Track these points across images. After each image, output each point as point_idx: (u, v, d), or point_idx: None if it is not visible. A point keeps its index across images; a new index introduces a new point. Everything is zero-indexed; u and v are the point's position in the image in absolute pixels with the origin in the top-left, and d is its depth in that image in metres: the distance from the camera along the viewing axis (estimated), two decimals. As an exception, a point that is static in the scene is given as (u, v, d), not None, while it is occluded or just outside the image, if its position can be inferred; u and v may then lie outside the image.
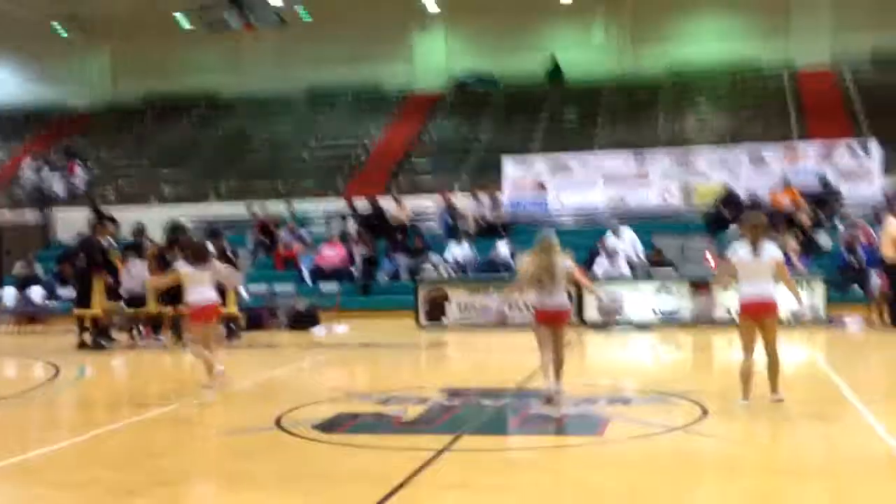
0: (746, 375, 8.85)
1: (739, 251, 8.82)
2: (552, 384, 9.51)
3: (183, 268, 11.06)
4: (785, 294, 8.97)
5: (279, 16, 26.69)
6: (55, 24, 30.45)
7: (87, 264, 16.00)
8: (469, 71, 29.66)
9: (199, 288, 10.82)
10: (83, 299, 16.01)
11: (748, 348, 8.84)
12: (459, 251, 19.86)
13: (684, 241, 19.04)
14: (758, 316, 8.73)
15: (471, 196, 22.09)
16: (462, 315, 17.21)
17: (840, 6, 27.47)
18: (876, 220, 18.00)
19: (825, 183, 20.12)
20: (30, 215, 24.19)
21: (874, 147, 20.64)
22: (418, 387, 11.06)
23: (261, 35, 27.86)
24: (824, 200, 19.65)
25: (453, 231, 20.96)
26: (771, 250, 8.75)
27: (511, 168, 22.28)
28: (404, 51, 30.56)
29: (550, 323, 9.60)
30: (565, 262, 9.60)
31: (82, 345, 15.75)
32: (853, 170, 20.46)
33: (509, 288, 11.05)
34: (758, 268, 8.68)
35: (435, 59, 30.47)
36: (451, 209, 21.82)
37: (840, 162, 20.61)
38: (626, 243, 18.76)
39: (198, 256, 11.02)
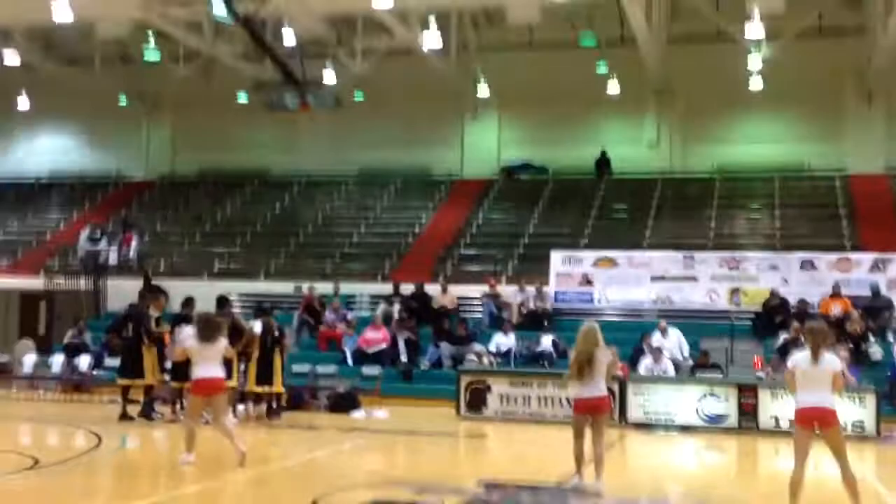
0: (795, 485, 8.70)
1: (798, 358, 8.76)
2: (593, 482, 9.46)
3: (190, 342, 11.26)
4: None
5: (336, 98, 27.31)
6: (120, 96, 31.33)
7: (134, 334, 16.19)
8: (519, 159, 29.99)
9: (206, 363, 11.03)
10: (128, 369, 16.17)
11: (800, 458, 8.71)
12: (503, 341, 19.80)
13: (731, 344, 18.88)
14: (812, 425, 8.64)
15: (517, 286, 22.09)
16: (503, 406, 17.05)
17: (894, 114, 27.48)
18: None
19: (877, 293, 19.86)
20: (83, 283, 24.58)
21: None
22: (456, 478, 10.97)
23: (316, 115, 28.46)
24: (876, 311, 19.37)
25: (497, 321, 20.94)
26: (831, 360, 8.70)
27: (558, 261, 22.30)
28: (455, 137, 31.01)
29: (589, 413, 9.75)
30: (607, 354, 9.84)
31: (125, 416, 15.82)
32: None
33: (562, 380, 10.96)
34: (816, 376, 8.63)
35: (486, 146, 30.85)
36: (496, 298, 21.82)
37: (893, 272, 20.35)
38: (672, 343, 18.62)
39: (206, 332, 11.17)
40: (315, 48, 26.40)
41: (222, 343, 11.46)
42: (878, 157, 27.57)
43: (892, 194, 26.35)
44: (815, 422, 8.63)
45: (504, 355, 19.53)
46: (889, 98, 27.23)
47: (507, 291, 22.08)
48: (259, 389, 16.48)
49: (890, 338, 18.90)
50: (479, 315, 21.92)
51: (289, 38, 25.11)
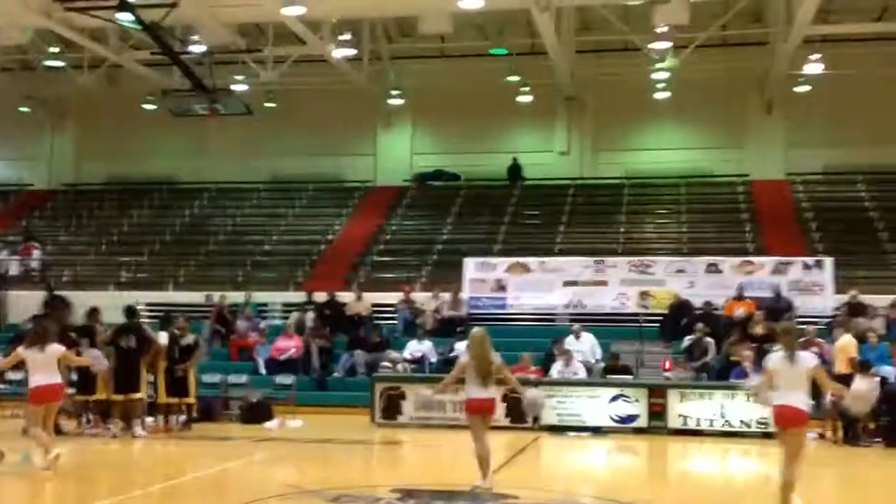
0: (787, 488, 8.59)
1: (774, 359, 8.80)
2: (483, 482, 9.80)
3: (24, 351, 11.50)
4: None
5: (246, 105, 26.98)
6: (22, 104, 30.48)
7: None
8: (432, 167, 30.11)
9: (40, 371, 11.29)
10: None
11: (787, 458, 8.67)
12: (417, 348, 19.83)
13: (641, 346, 19.24)
14: (784, 424, 8.63)
15: (431, 293, 22.15)
16: (418, 413, 17.06)
17: (793, 122, 28.41)
18: (829, 334, 18.28)
19: (778, 295, 20.48)
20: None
21: (827, 263, 21.11)
22: (370, 486, 10.93)
23: (225, 123, 28.11)
24: (778, 312, 19.95)
25: (412, 328, 20.95)
26: (806, 359, 8.73)
27: (472, 267, 22.44)
28: (369, 145, 31.01)
29: (483, 413, 10.16)
30: (496, 358, 10.29)
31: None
32: (806, 284, 20.87)
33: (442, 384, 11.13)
34: (792, 376, 8.58)
35: (399, 154, 30.92)
36: (410, 305, 21.84)
37: (794, 275, 21.02)
38: (585, 347, 18.89)
39: (35, 339, 11.50)
40: (225, 55, 26.03)
41: (54, 349, 11.55)
42: (779, 163, 28.49)
43: (792, 200, 27.23)
44: (785, 420, 8.59)
45: (419, 362, 19.54)
46: (788, 107, 28.14)
47: (422, 298, 22.12)
48: (169, 401, 16.19)
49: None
50: (394, 322, 21.90)
51: (197, 45, 24.74)
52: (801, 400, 8.56)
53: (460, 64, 28.74)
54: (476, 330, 10.63)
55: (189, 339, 16.91)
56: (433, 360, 19.65)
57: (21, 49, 27.56)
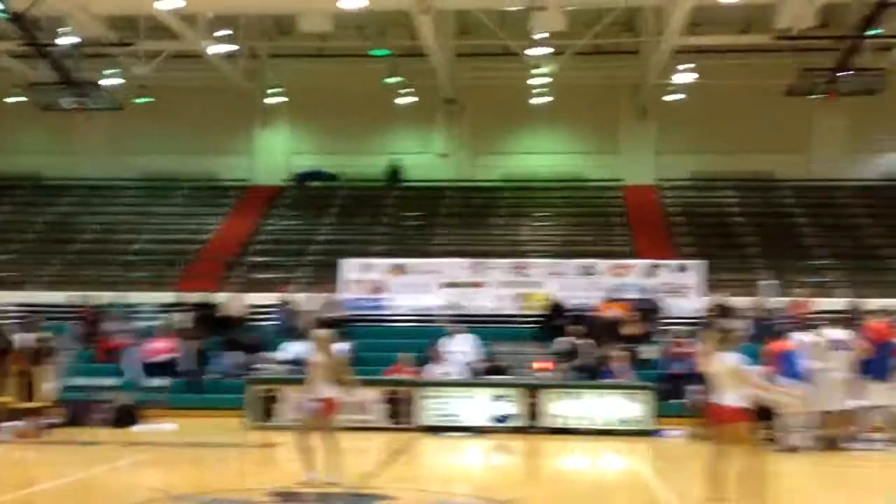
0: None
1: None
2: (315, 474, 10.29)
3: None
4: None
5: (116, 100, 26.20)
6: None
7: None
8: (310, 167, 29.82)
9: None
10: None
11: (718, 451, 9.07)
12: (294, 349, 19.55)
13: (518, 347, 19.51)
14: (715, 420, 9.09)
15: (308, 294, 21.90)
16: (293, 415, 16.81)
17: (664, 130, 29.30)
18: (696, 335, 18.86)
19: (648, 297, 21.08)
20: None
21: (694, 266, 21.84)
22: (245, 489, 10.73)
23: (95, 118, 27.20)
24: (648, 313, 20.54)
25: (290, 329, 20.66)
26: (727, 358, 9.08)
27: (349, 269, 22.33)
28: (246, 143, 30.54)
29: (332, 411, 10.72)
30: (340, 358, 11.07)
31: None
32: (675, 286, 21.55)
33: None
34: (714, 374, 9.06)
35: (276, 153, 30.57)
36: (287, 306, 21.55)
37: (664, 277, 21.67)
38: (463, 347, 18.99)
39: None
40: (95, 48, 25.16)
41: None
42: (650, 169, 29.36)
43: (661, 204, 28.10)
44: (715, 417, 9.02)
45: (296, 363, 19.26)
46: (660, 114, 29.01)
47: (300, 299, 21.85)
48: (26, 405, 15.54)
49: (661, 340, 20.03)
50: (271, 323, 21.57)
51: (67, 37, 23.84)
52: (725, 397, 8.95)
53: (340, 64, 28.58)
54: (322, 332, 11.24)
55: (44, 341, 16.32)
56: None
57: None
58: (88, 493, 10.85)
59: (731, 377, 8.99)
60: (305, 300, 21.73)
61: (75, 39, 23.99)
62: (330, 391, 10.66)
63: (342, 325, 20.98)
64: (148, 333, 20.45)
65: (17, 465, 13.65)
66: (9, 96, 27.80)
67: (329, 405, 10.70)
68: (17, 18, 22.05)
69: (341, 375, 10.91)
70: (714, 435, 9.22)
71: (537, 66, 26.24)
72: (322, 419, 10.64)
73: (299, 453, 10.61)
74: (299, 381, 17.06)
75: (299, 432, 10.69)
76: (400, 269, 22.33)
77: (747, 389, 9.15)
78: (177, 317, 20.81)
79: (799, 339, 14.64)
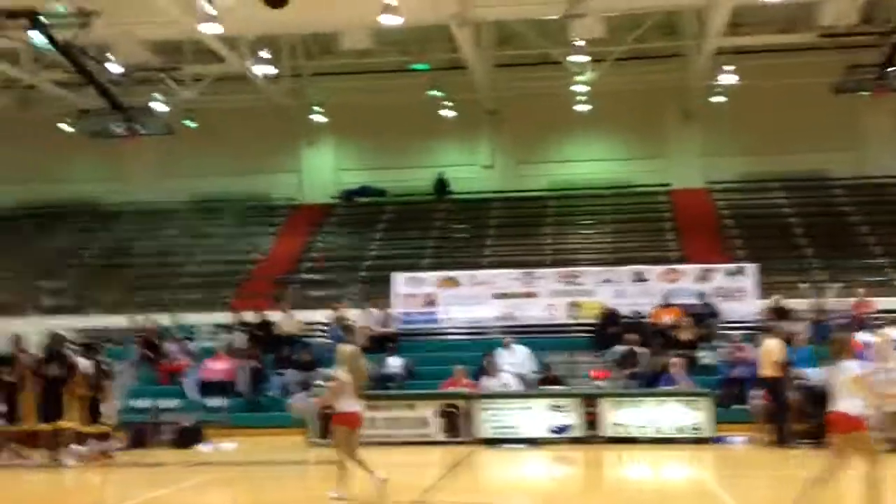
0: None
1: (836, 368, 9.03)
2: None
3: None
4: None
5: (165, 125, 26.64)
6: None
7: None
8: (357, 183, 30.06)
9: None
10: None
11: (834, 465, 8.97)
12: (367, 366, 19.64)
13: (572, 357, 19.43)
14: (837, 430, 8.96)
15: (361, 309, 22.04)
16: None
17: (710, 132, 29.08)
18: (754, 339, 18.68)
19: (703, 302, 20.91)
20: None
21: (749, 269, 21.62)
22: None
23: (145, 143, 27.67)
24: (702, 318, 20.38)
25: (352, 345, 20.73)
26: (848, 367, 8.97)
27: (401, 282, 22.43)
28: (293, 162, 30.86)
29: (360, 425, 11.00)
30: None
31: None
32: (729, 290, 21.34)
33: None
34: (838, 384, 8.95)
35: (324, 171, 30.86)
36: (341, 322, 21.69)
37: (717, 281, 21.48)
38: (518, 359, 18.97)
39: None
40: (142, 74, 25.61)
41: None
42: (697, 172, 29.15)
43: (711, 207, 27.88)
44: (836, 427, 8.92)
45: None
46: (705, 116, 28.82)
47: (352, 315, 21.99)
48: (90, 429, 15.81)
49: (717, 344, 19.86)
50: (325, 340, 21.71)
51: (113, 65, 24.30)
52: (848, 405, 8.82)
53: (382, 80, 28.77)
54: (349, 347, 11.55)
55: (105, 365, 16.60)
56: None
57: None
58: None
59: (851, 385, 8.89)
60: (358, 316, 21.88)
61: (122, 67, 24.45)
62: (354, 406, 10.88)
63: (396, 340, 21.16)
64: (205, 354, 20.71)
65: (86, 488, 13.90)
66: (60, 125, 28.36)
67: (352, 420, 10.88)
68: (63, 48, 22.52)
69: (361, 391, 11.16)
70: (835, 444, 9.07)
71: (578, 74, 26.24)
72: (347, 433, 10.86)
73: (344, 469, 10.79)
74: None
75: (337, 448, 10.90)
76: (451, 282, 22.37)
77: (868, 397, 9.07)
78: (233, 336, 21.04)
79: (863, 339, 14.45)
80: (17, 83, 27.33)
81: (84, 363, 16.35)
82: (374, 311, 21.82)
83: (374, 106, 28.88)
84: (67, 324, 21.99)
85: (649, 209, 28.25)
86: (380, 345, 20.93)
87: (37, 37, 21.67)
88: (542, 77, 27.88)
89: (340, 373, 10.99)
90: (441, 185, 29.61)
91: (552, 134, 29.69)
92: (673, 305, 20.60)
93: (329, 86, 29.36)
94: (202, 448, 16.97)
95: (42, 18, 21.02)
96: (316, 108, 29.57)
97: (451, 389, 17.88)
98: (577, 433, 16.59)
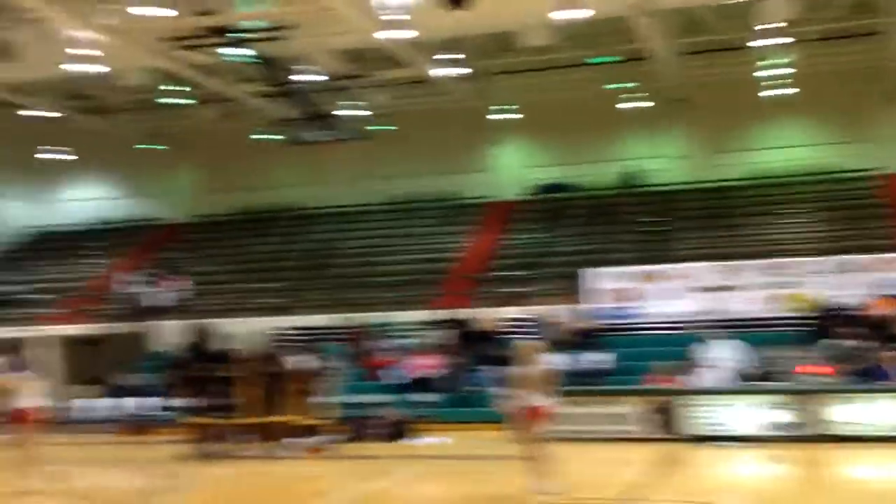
0: None
1: None
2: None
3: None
4: None
5: (359, 130, 27.62)
6: (148, 141, 31.73)
7: (195, 375, 16.47)
8: (546, 179, 30.17)
9: (23, 394, 13.11)
10: (189, 409, 16.41)
11: None
12: (553, 361, 19.73)
13: (781, 351, 18.79)
14: None
15: (557, 305, 22.09)
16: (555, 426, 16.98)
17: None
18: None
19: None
20: (126, 327, 24.81)
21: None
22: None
23: (342, 148, 28.72)
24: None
25: (543, 341, 20.88)
26: None
27: (593, 278, 22.32)
28: (481, 161, 31.24)
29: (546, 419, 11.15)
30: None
31: (193, 454, 16.02)
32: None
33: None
34: None
35: (511, 169, 31.08)
36: (537, 319, 21.83)
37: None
38: (726, 354, 18.50)
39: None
40: (334, 82, 26.63)
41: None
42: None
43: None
44: None
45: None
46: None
47: (549, 311, 22.07)
48: (306, 423, 16.58)
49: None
50: (522, 337, 21.88)
51: (307, 74, 25.41)
52: None
53: (565, 75, 28.61)
54: (524, 343, 11.80)
55: (316, 362, 17.34)
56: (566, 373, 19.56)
57: (144, 90, 28.63)
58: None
59: None
60: (553, 312, 21.95)
61: (317, 76, 25.55)
62: (537, 400, 11.11)
63: (593, 336, 21.12)
64: (409, 351, 21.33)
65: (303, 479, 14.58)
66: (261, 134, 29.89)
67: (534, 413, 11.08)
68: (260, 61, 23.75)
69: (546, 386, 11.35)
70: None
71: (767, 58, 25.31)
72: (529, 427, 11.07)
73: (534, 464, 11.03)
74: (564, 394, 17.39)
75: (520, 443, 11.22)
76: (647, 277, 22.10)
77: None
78: (435, 334, 21.57)
79: None
80: (220, 97, 28.94)
81: (298, 360, 17.21)
82: (569, 306, 21.84)
83: (559, 101, 28.84)
84: (280, 323, 23.22)
85: (856, 195, 26.84)
86: (576, 341, 20.95)
87: (236, 52, 23.01)
88: (728, 63, 27.01)
89: (522, 369, 11.32)
90: (629, 178, 29.29)
91: (744, 120, 28.75)
92: (888, 296, 19.57)
93: (511, 83, 29.49)
94: (411, 442, 17.48)
95: (241, 34, 22.29)
96: (500, 107, 29.86)
97: (653, 385, 17.67)
98: (792, 431, 15.98)
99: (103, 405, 21.91)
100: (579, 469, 14.02)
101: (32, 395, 13.47)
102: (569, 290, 22.60)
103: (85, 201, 33.46)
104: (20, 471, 13.24)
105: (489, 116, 30.01)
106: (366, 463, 15.68)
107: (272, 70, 24.58)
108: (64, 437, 20.92)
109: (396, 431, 17.91)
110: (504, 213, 29.36)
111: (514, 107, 29.83)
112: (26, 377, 14.04)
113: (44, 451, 13.25)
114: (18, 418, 13.42)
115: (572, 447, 15.90)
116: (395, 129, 28.98)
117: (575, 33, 26.42)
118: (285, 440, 16.56)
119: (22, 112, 29.06)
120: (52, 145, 32.00)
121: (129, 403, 21.41)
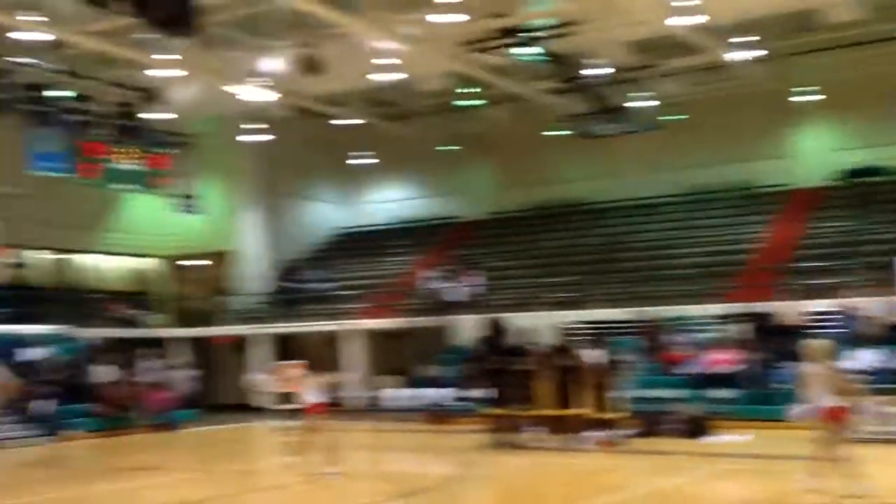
0: None
1: None
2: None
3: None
4: None
5: (649, 121, 27.16)
6: (445, 143, 33.07)
7: (492, 368, 17.02)
8: (856, 163, 28.14)
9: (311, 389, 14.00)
10: (492, 400, 16.99)
11: None
12: (865, 357, 18.45)
13: None
14: None
15: (866, 298, 20.58)
16: (872, 426, 15.85)
17: None
18: None
19: None
20: (428, 321, 26.02)
21: None
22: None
23: (630, 140, 28.39)
24: None
25: (856, 336, 19.55)
26: None
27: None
28: (779, 147, 29.67)
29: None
30: None
31: (491, 444, 16.56)
32: None
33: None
34: None
35: (815, 153, 29.28)
36: (845, 312, 20.47)
37: None
38: None
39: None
40: (624, 73, 26.37)
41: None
42: None
43: None
44: None
45: (867, 372, 18.17)
46: None
47: (858, 304, 20.61)
48: (601, 416, 16.58)
49: None
50: (829, 331, 20.60)
51: (596, 67, 25.35)
52: None
53: (875, 49, 26.55)
54: (815, 342, 11.23)
55: (608, 356, 17.29)
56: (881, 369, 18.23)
57: (438, 94, 29.90)
58: (668, 501, 11.23)
59: None
60: (863, 305, 20.49)
61: (605, 69, 25.43)
62: (830, 400, 10.65)
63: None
64: (706, 345, 20.74)
65: (599, 472, 14.60)
66: (550, 130, 30.21)
67: (832, 414, 10.63)
68: (549, 59, 23.99)
69: (843, 386, 10.89)
70: None
71: None
72: (829, 428, 10.64)
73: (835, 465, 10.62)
74: (873, 392, 16.20)
75: (819, 443, 10.79)
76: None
77: None
78: (734, 328, 20.83)
79: None
80: (512, 96, 29.56)
81: (591, 354, 17.26)
82: (882, 299, 20.28)
83: (866, 79, 26.79)
84: (571, 317, 23.39)
85: None
86: (891, 335, 19.42)
87: (527, 51, 23.40)
88: None
89: (813, 367, 10.93)
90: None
91: None
92: None
93: (812, 63, 27.73)
94: (707, 439, 16.99)
95: (531, 33, 22.64)
96: (802, 88, 28.19)
97: None
98: None
99: (406, 395, 23.13)
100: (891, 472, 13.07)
101: (316, 388, 14.40)
102: (881, 280, 20.99)
103: (388, 202, 35.43)
104: (309, 455, 14.24)
105: (791, 99, 28.44)
106: (659, 458, 15.48)
107: (562, 66, 24.79)
108: (370, 424, 22.45)
109: (695, 428, 17.44)
110: (808, 201, 27.73)
111: (815, 87, 28.07)
112: (311, 373, 15.03)
113: (332, 438, 14.15)
114: (308, 409, 14.39)
115: (887, 449, 14.85)
116: (686, 118, 28.20)
117: (885, 4, 24.51)
118: (584, 433, 16.65)
119: (333, 122, 31.32)
120: (358, 151, 34.27)
121: (430, 394, 22.45)
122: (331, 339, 27.57)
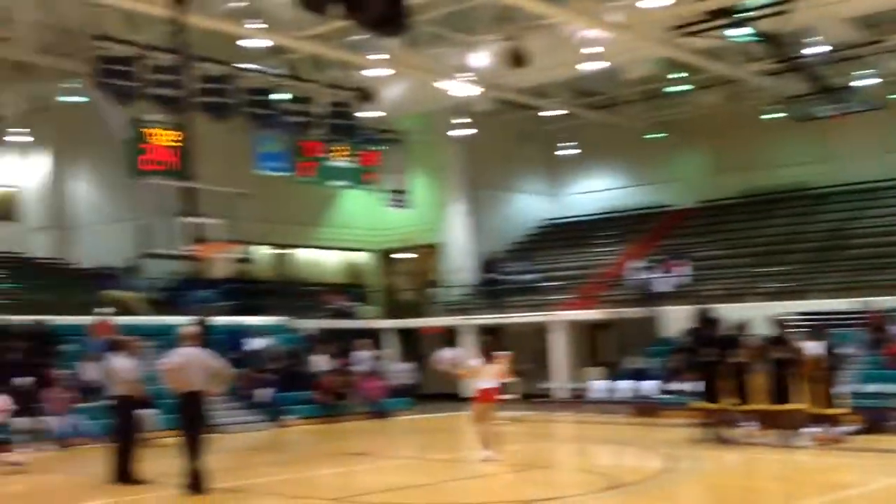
0: None
1: None
2: None
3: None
4: None
5: (876, 100, 25.52)
6: (652, 130, 32.39)
7: (703, 360, 16.59)
8: None
9: (482, 378, 14.40)
10: (696, 394, 16.54)
11: None
12: None
13: None
14: None
15: None
16: None
17: None
18: None
19: None
20: (636, 312, 25.60)
21: None
22: None
23: (852, 121, 26.77)
24: None
25: None
26: None
27: None
28: None
29: None
30: None
31: (701, 438, 16.12)
32: None
33: None
34: None
35: None
36: None
37: None
38: None
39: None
40: (845, 52, 24.87)
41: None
42: None
43: None
44: None
45: None
46: None
47: None
48: (822, 411, 15.74)
49: None
50: None
51: (816, 46, 24.02)
52: None
53: None
54: None
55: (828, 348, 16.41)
56: None
57: (644, 81, 29.26)
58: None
59: None
60: None
61: (825, 47, 24.06)
62: None
63: None
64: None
65: (821, 469, 13.89)
66: (766, 114, 28.94)
67: None
68: (765, 38, 22.91)
69: None
70: None
71: None
72: None
73: None
74: None
75: None
76: None
77: None
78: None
79: None
80: (723, 79, 28.52)
81: (811, 346, 16.43)
82: None
83: None
84: (790, 308, 22.29)
85: None
86: None
87: (741, 31, 22.47)
88: None
89: None
90: None
91: None
92: None
93: None
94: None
95: (745, 13, 21.71)
96: None
97: None
98: None
99: (612, 387, 22.87)
100: None
101: (490, 377, 14.51)
102: None
103: (594, 192, 35.03)
104: (486, 442, 14.37)
105: None
106: (888, 457, 14.54)
107: (777, 46, 23.67)
108: (576, 415, 22.36)
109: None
110: None
111: None
112: (485, 362, 15.07)
113: (497, 426, 14.37)
114: (481, 398, 14.50)
115: None
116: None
117: None
118: (804, 429, 15.88)
119: (541, 113, 31.32)
120: (563, 142, 34.14)
121: (636, 386, 22.09)
122: (537, 330, 27.62)
